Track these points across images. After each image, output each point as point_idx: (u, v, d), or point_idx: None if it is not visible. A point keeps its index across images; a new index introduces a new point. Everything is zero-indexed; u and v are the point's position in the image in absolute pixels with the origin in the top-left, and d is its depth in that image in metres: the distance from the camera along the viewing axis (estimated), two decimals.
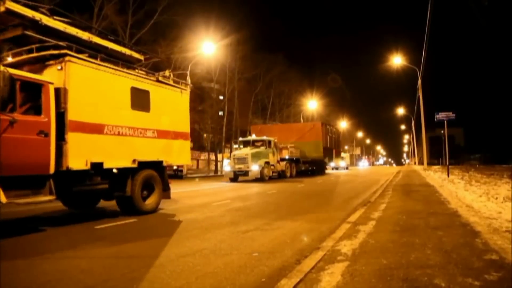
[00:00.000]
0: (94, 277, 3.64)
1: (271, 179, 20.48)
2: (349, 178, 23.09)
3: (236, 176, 19.59)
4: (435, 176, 19.01)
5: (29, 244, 5.25)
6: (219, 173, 31.61)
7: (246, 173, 19.27)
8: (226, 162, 22.06)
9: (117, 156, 7.03)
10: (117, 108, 7.14)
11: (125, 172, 7.24)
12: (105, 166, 6.73)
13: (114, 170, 7.08)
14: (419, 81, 29.34)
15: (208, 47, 27.22)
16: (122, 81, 7.29)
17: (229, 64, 38.98)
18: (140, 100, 7.64)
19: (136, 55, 8.61)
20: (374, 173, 33.29)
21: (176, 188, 13.67)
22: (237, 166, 19.31)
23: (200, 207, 8.80)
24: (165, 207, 8.62)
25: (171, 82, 8.73)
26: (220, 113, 42.09)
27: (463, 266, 3.46)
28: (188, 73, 25.97)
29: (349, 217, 6.64)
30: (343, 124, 66.17)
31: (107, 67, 6.96)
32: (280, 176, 22.42)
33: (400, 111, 57.28)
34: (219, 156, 36.80)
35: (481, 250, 4.01)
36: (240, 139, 23.58)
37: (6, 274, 3.69)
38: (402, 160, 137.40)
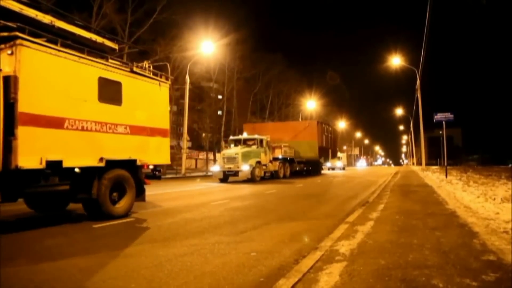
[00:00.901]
0: (93, 276, 3.64)
1: (263, 179, 19.90)
2: (346, 179, 23.02)
3: (226, 177, 18.72)
4: (433, 176, 19.03)
5: (28, 242, 5.24)
6: None
7: (236, 173, 18.38)
8: None
9: (80, 153, 6.32)
10: (81, 100, 6.38)
11: (90, 172, 6.56)
12: (65, 165, 6.01)
13: (77, 170, 6.41)
14: (418, 82, 29.45)
15: (207, 46, 27.22)
16: (88, 70, 6.51)
17: (228, 64, 39.09)
18: (109, 92, 6.90)
19: (109, 43, 7.79)
20: (372, 173, 33.29)
21: (172, 187, 13.69)
22: (226, 166, 18.45)
23: (197, 207, 8.79)
24: (163, 207, 8.62)
25: (148, 74, 7.94)
26: (219, 112, 42.17)
27: (461, 266, 3.47)
28: (188, 72, 25.98)
29: (347, 217, 6.65)
30: (342, 124, 66.22)
31: (69, 53, 6.18)
32: (273, 176, 21.78)
33: (399, 111, 57.52)
34: (218, 155, 36.81)
35: (479, 250, 4.03)
36: (231, 137, 22.71)
37: (5, 272, 3.68)
38: (401, 160, 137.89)
